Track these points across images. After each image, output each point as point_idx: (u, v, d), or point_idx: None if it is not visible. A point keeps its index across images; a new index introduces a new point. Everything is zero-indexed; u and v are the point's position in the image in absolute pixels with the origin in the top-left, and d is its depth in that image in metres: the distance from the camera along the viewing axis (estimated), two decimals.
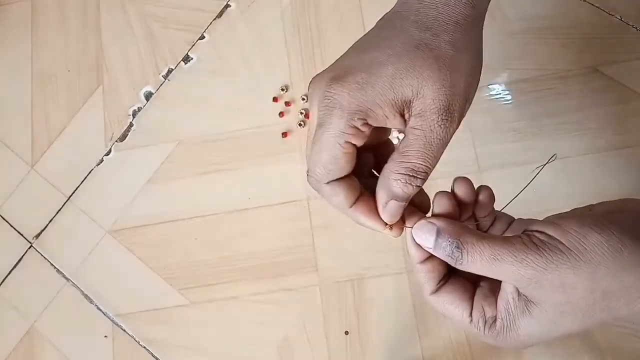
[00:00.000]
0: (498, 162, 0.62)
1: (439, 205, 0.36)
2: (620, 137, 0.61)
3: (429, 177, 0.34)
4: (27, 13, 0.75)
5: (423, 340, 0.60)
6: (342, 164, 0.33)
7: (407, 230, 0.35)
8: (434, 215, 0.36)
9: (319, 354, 0.61)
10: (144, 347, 0.63)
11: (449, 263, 0.34)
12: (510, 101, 0.64)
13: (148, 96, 0.70)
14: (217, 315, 0.63)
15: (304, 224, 0.64)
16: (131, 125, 0.70)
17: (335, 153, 0.33)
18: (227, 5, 0.72)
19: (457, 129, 0.33)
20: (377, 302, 0.61)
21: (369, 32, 0.35)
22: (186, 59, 0.71)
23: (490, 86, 0.65)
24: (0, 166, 0.71)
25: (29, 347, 0.65)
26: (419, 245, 0.34)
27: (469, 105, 0.34)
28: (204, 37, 0.71)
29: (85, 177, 0.69)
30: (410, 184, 0.33)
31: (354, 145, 0.33)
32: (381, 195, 0.34)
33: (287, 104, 0.67)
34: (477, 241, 0.32)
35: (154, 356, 0.63)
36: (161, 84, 0.71)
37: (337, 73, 0.33)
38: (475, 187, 0.38)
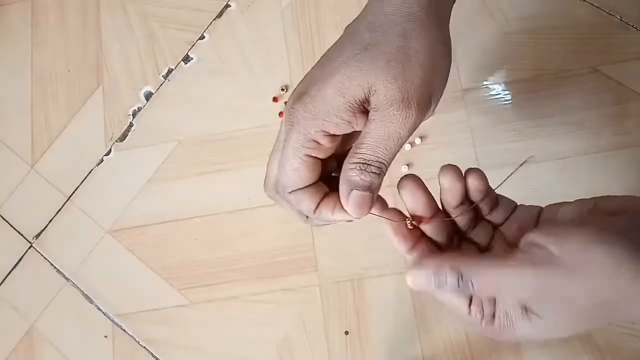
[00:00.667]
0: (498, 162, 0.62)
1: (412, 201, 0.36)
2: (620, 137, 0.61)
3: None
4: (27, 13, 0.75)
5: (423, 340, 0.60)
6: (304, 175, 0.34)
7: (388, 230, 0.36)
8: (411, 215, 0.36)
9: (319, 354, 0.61)
10: (144, 347, 0.63)
11: (459, 293, 0.33)
12: (510, 101, 0.64)
13: (148, 96, 0.70)
14: (217, 315, 0.63)
15: (304, 224, 0.64)
16: (131, 125, 0.70)
17: (296, 166, 0.34)
18: (227, 5, 0.72)
19: (423, 118, 0.33)
20: (377, 302, 0.61)
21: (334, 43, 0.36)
22: (186, 59, 0.71)
23: (490, 86, 0.65)
24: (0, 166, 0.71)
25: (29, 347, 0.65)
26: (399, 235, 0.36)
27: (440, 92, 0.34)
28: (204, 37, 0.71)
29: (85, 177, 0.69)
30: (366, 172, 0.33)
31: (316, 157, 0.34)
32: (343, 188, 0.34)
33: (287, 103, 0.67)
34: (475, 267, 0.32)
35: (154, 356, 0.63)
36: (161, 84, 0.71)
37: (300, 90, 0.35)
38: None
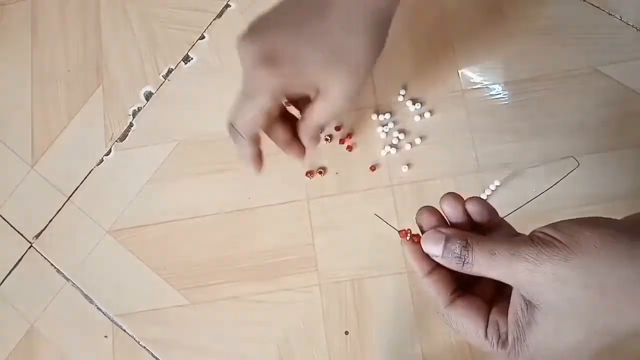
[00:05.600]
0: (498, 162, 0.62)
1: (426, 222, 0.37)
2: (620, 137, 0.61)
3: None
4: (27, 13, 0.75)
5: (423, 340, 0.60)
6: (256, 126, 0.47)
7: (407, 254, 0.37)
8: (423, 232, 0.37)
9: (319, 354, 0.61)
10: (144, 347, 0.63)
11: (455, 269, 0.34)
12: (510, 101, 0.64)
13: (148, 96, 0.70)
14: (217, 315, 0.63)
15: (304, 224, 0.64)
16: (131, 125, 0.70)
17: (257, 120, 0.46)
18: (227, 5, 0.72)
19: (352, 100, 0.45)
20: (377, 302, 0.61)
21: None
22: (186, 59, 0.71)
23: (490, 86, 0.65)
24: (0, 166, 0.71)
25: (29, 347, 0.65)
26: (421, 258, 0.35)
27: (365, 78, 0.45)
28: (204, 37, 0.71)
29: (85, 177, 0.69)
30: (315, 130, 0.50)
31: (271, 112, 0.47)
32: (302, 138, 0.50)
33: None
34: (479, 239, 0.33)
35: (154, 356, 0.63)
36: (161, 84, 0.71)
37: (266, 53, 0.43)
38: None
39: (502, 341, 0.33)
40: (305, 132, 0.50)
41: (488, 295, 0.36)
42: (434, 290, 0.36)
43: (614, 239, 0.29)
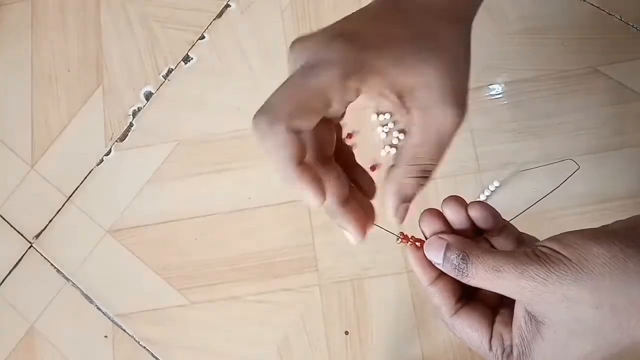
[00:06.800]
0: (498, 162, 0.62)
1: (427, 227, 0.35)
2: (620, 137, 0.61)
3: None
4: (27, 13, 0.75)
5: (423, 340, 0.60)
6: (311, 114, 0.28)
7: (411, 260, 0.35)
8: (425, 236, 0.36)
9: (319, 354, 0.61)
10: (144, 347, 0.63)
11: (455, 277, 0.33)
12: (510, 101, 0.64)
13: (148, 96, 0.70)
14: (217, 315, 0.63)
15: (304, 224, 0.64)
16: (131, 125, 0.70)
17: (310, 100, 0.28)
18: (227, 5, 0.72)
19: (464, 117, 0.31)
20: (377, 302, 0.61)
21: (372, 4, 0.33)
22: (186, 59, 0.71)
23: (490, 86, 0.65)
24: (0, 166, 0.71)
25: (29, 347, 0.65)
26: (425, 265, 0.34)
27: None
28: (204, 37, 0.71)
29: (85, 177, 0.69)
30: (422, 185, 0.32)
31: (331, 103, 0.29)
32: (392, 200, 0.32)
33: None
34: (482, 253, 0.32)
35: (154, 356, 0.63)
36: (161, 84, 0.71)
37: (343, 30, 0.30)
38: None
39: (507, 354, 0.32)
40: (398, 187, 0.32)
41: (492, 301, 0.35)
42: (438, 299, 0.34)
43: (624, 255, 0.28)
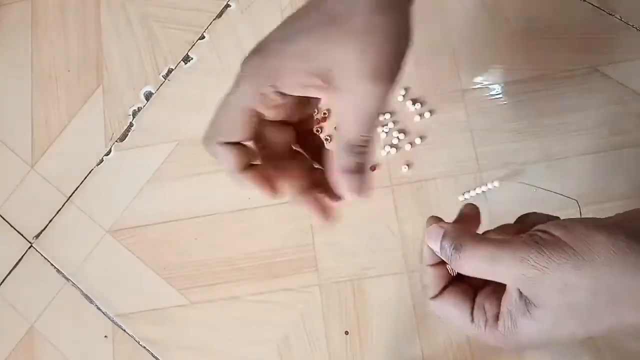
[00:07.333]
0: (498, 162, 0.62)
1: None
2: (620, 137, 0.61)
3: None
4: (27, 13, 0.75)
5: (423, 340, 0.60)
6: (238, 128, 0.34)
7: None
8: None
9: (319, 354, 0.61)
10: (144, 347, 0.63)
11: (452, 266, 0.34)
12: (509, 101, 0.64)
13: (148, 96, 0.70)
14: (217, 315, 0.63)
15: (304, 224, 0.64)
16: (131, 125, 0.70)
17: (234, 117, 0.33)
18: (227, 5, 0.72)
19: (392, 91, 0.32)
20: (377, 302, 0.61)
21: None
22: (186, 59, 0.71)
23: (490, 86, 0.65)
24: (0, 166, 0.71)
25: (29, 347, 0.65)
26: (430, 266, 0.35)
27: (400, 69, 0.33)
28: (204, 37, 0.71)
29: (85, 177, 0.69)
30: (353, 154, 0.33)
31: (257, 113, 0.33)
32: (338, 178, 0.34)
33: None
34: (476, 242, 0.32)
35: (154, 356, 0.63)
36: (161, 84, 0.71)
37: (256, 47, 0.33)
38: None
39: (490, 325, 0.32)
40: (336, 158, 0.34)
41: (476, 281, 0.35)
42: (430, 281, 0.35)
43: (627, 247, 0.29)
